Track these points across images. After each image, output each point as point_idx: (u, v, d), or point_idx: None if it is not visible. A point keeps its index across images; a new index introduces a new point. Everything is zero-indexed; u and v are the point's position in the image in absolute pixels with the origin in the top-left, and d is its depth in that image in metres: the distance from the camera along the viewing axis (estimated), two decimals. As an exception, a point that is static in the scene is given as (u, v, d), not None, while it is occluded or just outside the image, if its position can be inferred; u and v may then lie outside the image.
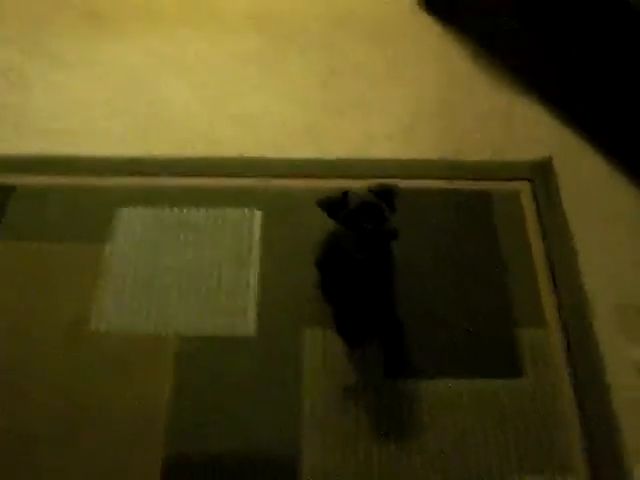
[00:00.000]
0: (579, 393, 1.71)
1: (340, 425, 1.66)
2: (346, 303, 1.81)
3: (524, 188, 2.06)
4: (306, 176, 2.09)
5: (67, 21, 2.46)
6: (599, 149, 2.14)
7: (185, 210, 2.01)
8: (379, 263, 1.68)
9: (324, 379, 1.73)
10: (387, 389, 1.72)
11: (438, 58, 2.40)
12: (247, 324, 1.81)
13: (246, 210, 2.01)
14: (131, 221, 1.98)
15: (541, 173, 2.08)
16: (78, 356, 1.76)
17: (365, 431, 1.66)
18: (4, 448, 1.63)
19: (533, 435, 1.66)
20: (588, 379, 1.73)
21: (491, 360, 1.76)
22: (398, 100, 2.28)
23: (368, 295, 1.76)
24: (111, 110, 2.23)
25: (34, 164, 2.10)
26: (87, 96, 2.27)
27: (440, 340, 1.79)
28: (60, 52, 2.37)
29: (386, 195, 1.59)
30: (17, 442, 1.64)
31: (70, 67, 2.34)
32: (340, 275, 1.75)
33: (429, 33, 2.45)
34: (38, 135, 2.17)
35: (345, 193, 1.59)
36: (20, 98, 2.26)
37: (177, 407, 1.68)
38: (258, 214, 2.00)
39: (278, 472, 1.60)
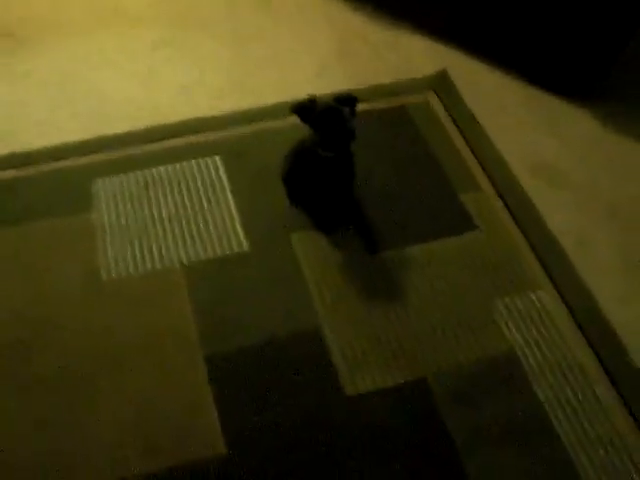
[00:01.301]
0: (523, 229, 2.11)
1: (346, 299, 1.97)
2: (317, 202, 2.12)
3: (431, 96, 2.46)
4: (248, 122, 2.38)
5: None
6: (483, 60, 2.59)
7: (153, 170, 2.24)
8: (342, 160, 2.00)
9: (321, 270, 2.02)
10: (372, 263, 2.04)
11: (329, 11, 2.77)
12: (240, 243, 2.07)
13: (206, 159, 2.27)
14: (107, 189, 2.19)
15: (440, 82, 2.49)
16: (99, 304, 1.95)
17: (368, 302, 1.97)
18: (66, 385, 1.81)
19: (501, 268, 2.04)
20: (526, 218, 2.13)
21: (448, 222, 2.13)
22: (302, 52, 2.63)
23: (335, 188, 2.07)
24: (52, 106, 2.42)
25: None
26: (27, 101, 2.45)
27: (400, 216, 2.15)
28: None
29: (348, 102, 1.92)
30: (77, 379, 1.82)
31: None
32: (308, 176, 2.05)
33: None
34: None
35: (313, 100, 1.90)
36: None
37: (202, 321, 1.92)
38: (217, 158, 2.27)
39: (309, 342, 1.89)
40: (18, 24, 2.71)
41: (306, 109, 1.90)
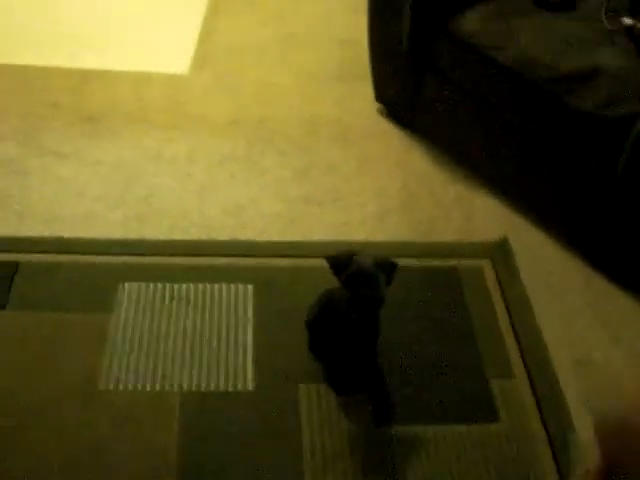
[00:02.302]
0: (549, 431, 1.91)
1: (338, 472, 1.81)
2: (335, 358, 1.99)
3: (486, 264, 2.32)
4: (291, 256, 2.31)
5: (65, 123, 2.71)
6: (547, 230, 2.45)
7: (183, 285, 2.19)
8: (368, 323, 1.88)
9: (320, 430, 1.88)
10: (377, 436, 1.88)
11: (400, 156, 2.71)
12: (246, 380, 1.97)
13: (239, 285, 2.21)
14: (132, 294, 2.15)
15: (499, 250, 2.36)
16: (90, 412, 1.88)
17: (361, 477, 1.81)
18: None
19: (512, 471, 1.84)
20: (556, 422, 1.93)
21: (469, 408, 1.96)
22: (368, 193, 2.56)
23: (356, 350, 1.95)
24: (108, 200, 2.44)
25: (37, 244, 2.27)
26: (85, 189, 2.48)
27: (420, 390, 1.99)
28: (59, 149, 2.59)
29: (387, 267, 1.81)
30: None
31: (68, 162, 2.56)
32: (331, 332, 1.94)
33: (391, 136, 2.78)
34: (40, 221, 2.35)
35: (350, 256, 1.80)
36: (22, 188, 2.46)
37: (184, 457, 1.80)
38: (250, 287, 2.20)
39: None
40: (100, 110, 2.78)
41: (341, 264, 1.80)
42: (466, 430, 1.91)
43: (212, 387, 1.95)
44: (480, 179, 2.61)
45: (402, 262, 2.26)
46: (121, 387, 1.93)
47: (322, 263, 2.25)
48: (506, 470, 1.84)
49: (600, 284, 2.31)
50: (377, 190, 2.58)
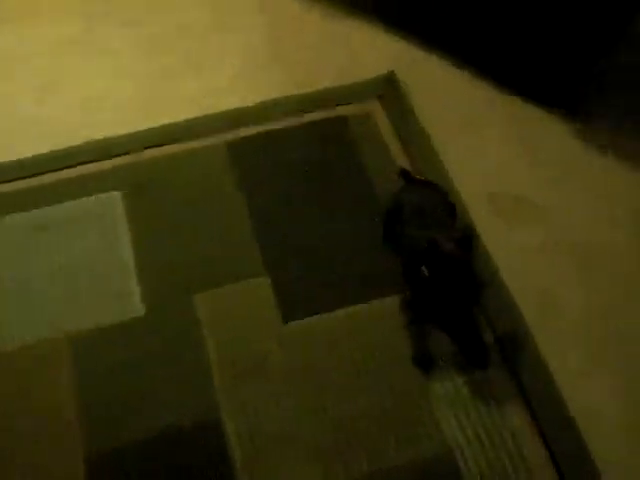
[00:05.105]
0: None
1: (251, 380, 1.64)
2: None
3: (376, 107, 2.07)
4: (157, 145, 2.02)
5: None
6: (440, 55, 2.18)
7: (39, 210, 1.90)
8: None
9: (225, 340, 1.70)
10: (286, 333, 1.71)
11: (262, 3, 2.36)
12: (135, 306, 1.75)
13: (103, 195, 1.93)
14: (-11, 233, 1.87)
15: (387, 87, 2.10)
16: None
17: (276, 383, 1.64)
18: None
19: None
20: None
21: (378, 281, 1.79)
22: (230, 51, 2.23)
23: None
24: None
25: None
26: None
27: (324, 271, 1.80)
28: None
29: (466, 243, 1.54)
30: None
31: None
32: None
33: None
34: None
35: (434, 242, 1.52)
36: None
37: (87, 405, 1.62)
38: (117, 194, 1.93)
39: (204, 433, 1.58)
40: None
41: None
42: (380, 305, 1.74)
43: (100, 322, 1.73)
44: (358, 12, 2.29)
45: (284, 122, 2.06)
46: (8, 345, 1.70)
47: (193, 146, 2.01)
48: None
49: (508, 106, 2.09)
50: (241, 45, 2.25)
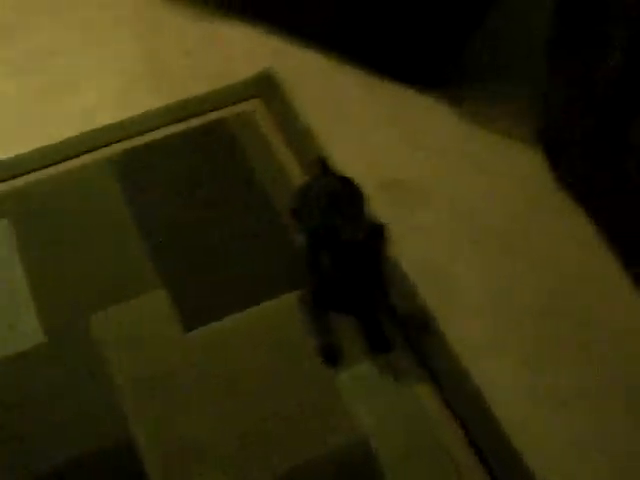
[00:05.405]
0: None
1: (160, 393, 1.63)
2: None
3: (257, 105, 2.08)
4: (38, 168, 1.97)
5: None
6: (314, 48, 2.21)
7: None
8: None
9: (128, 357, 1.68)
10: (189, 342, 1.70)
11: (126, 12, 2.33)
12: (34, 332, 1.71)
13: (-13, 223, 1.87)
14: None
15: (265, 84, 2.11)
16: None
17: (184, 393, 1.63)
18: None
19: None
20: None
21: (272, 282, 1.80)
22: (104, 66, 2.20)
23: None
24: None
25: None
26: None
27: (220, 277, 1.80)
28: None
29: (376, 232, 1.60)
30: None
31: None
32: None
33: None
34: None
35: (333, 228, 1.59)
36: None
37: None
38: (4, 221, 1.87)
39: (117, 456, 1.55)
40: None
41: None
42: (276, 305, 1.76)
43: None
44: (229, 13, 2.29)
45: (163, 132, 2.04)
46: None
47: (78, 163, 1.98)
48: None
49: (388, 93, 2.13)
50: (114, 59, 2.21)
